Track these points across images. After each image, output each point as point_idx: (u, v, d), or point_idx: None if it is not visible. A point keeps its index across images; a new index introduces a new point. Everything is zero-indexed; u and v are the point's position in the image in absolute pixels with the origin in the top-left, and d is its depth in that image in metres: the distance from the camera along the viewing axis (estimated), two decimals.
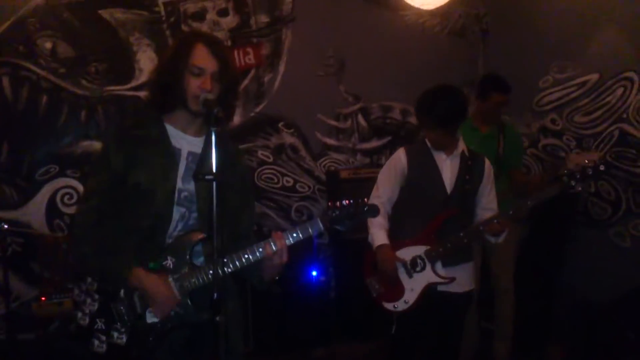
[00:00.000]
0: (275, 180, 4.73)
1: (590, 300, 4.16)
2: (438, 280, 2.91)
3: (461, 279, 2.95)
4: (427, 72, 4.95)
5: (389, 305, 2.95)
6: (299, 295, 4.18)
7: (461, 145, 3.04)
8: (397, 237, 2.98)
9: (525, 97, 4.73)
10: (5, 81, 3.91)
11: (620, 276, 4.05)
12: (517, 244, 3.94)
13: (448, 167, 3.00)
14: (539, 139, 4.77)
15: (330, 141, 4.92)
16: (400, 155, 3.06)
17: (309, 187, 4.84)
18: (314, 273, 4.26)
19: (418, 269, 2.92)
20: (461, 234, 2.91)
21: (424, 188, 2.99)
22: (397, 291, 2.93)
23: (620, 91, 4.22)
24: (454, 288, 2.93)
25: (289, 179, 4.77)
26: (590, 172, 2.88)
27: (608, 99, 4.30)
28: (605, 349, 3.83)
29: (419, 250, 2.93)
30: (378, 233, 2.97)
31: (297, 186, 4.80)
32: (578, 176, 2.88)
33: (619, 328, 3.82)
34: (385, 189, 3.04)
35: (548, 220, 4.37)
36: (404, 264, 2.92)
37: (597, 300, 4.08)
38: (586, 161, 2.92)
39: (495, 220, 2.89)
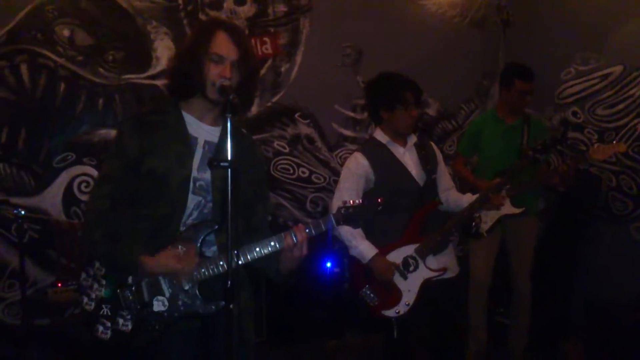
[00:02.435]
0: (291, 171, 4.71)
1: (609, 297, 4.10)
2: (433, 274, 2.89)
3: (450, 264, 2.97)
4: (446, 63, 4.89)
5: (390, 312, 2.88)
6: (313, 286, 4.17)
7: (414, 136, 3.02)
8: (380, 241, 2.89)
9: (547, 90, 4.65)
10: (24, 68, 3.92)
11: None
12: (535, 239, 3.89)
13: (409, 160, 2.97)
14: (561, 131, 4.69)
15: (347, 132, 4.88)
16: (360, 160, 2.93)
17: (325, 178, 4.81)
18: (328, 264, 4.25)
19: (411, 268, 2.89)
20: (449, 224, 2.90)
21: (396, 186, 2.91)
22: (394, 296, 2.88)
23: None
24: (446, 274, 2.93)
25: (304, 169, 4.75)
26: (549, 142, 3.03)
27: (632, 91, 4.21)
28: (624, 347, 3.77)
29: (409, 250, 2.90)
30: (364, 244, 2.86)
31: (312, 177, 4.78)
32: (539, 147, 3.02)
33: (638, 326, 3.76)
34: (350, 196, 2.74)
35: (566, 215, 4.32)
36: (397, 267, 2.87)
37: (616, 297, 4.02)
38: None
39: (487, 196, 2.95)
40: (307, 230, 1.98)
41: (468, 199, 3.04)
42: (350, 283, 3.00)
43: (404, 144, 2.99)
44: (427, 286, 2.88)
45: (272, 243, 1.96)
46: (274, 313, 3.98)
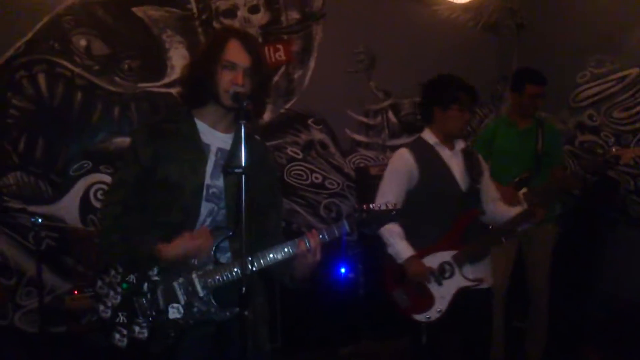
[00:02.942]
0: (305, 177, 4.72)
1: (628, 300, 4.04)
2: (468, 284, 2.82)
3: (486, 275, 2.90)
4: (460, 68, 4.82)
5: (420, 317, 2.83)
6: (328, 292, 4.16)
7: (462, 142, 2.98)
8: (416, 244, 2.84)
9: (562, 93, 4.62)
10: (41, 78, 3.98)
11: None
12: (552, 245, 3.85)
13: (455, 164, 2.91)
14: (576, 135, 4.65)
15: (360, 137, 4.89)
16: (406, 156, 2.89)
17: (338, 184, 4.81)
18: (343, 270, 4.24)
19: (447, 275, 2.83)
20: (492, 234, 2.86)
21: (439, 188, 2.86)
22: (427, 301, 2.82)
23: None
24: (481, 285, 2.87)
25: (318, 175, 4.76)
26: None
27: None
28: None
29: (446, 256, 2.84)
30: (401, 244, 2.82)
31: (326, 183, 4.79)
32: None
33: None
34: (394, 193, 2.80)
35: (585, 218, 4.27)
36: (432, 272, 2.82)
37: (636, 299, 3.96)
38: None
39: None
40: (320, 236, 1.97)
41: (516, 211, 2.97)
42: (382, 282, 2.94)
43: (451, 147, 2.93)
44: (460, 295, 2.82)
45: (286, 249, 1.97)
46: (289, 319, 3.97)
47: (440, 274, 2.82)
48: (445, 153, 2.91)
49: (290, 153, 4.67)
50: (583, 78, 4.61)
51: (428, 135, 2.95)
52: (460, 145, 2.96)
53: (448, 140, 2.93)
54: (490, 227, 2.90)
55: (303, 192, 4.72)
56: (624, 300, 4.08)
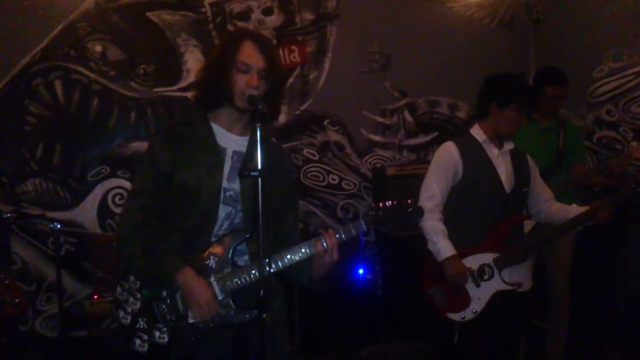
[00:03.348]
0: (321, 178, 4.71)
1: None
2: (506, 287, 2.78)
3: (524, 279, 2.85)
4: (476, 65, 4.83)
5: (454, 316, 2.79)
6: (346, 293, 4.13)
7: (510, 143, 2.90)
8: (457, 243, 2.77)
9: (579, 88, 4.56)
10: (58, 84, 4.02)
11: None
12: (574, 241, 3.80)
13: (502, 164, 2.83)
14: (594, 131, 4.59)
15: (376, 138, 4.86)
16: (452, 149, 2.81)
17: (355, 185, 4.80)
18: (361, 271, 4.22)
19: (486, 277, 2.78)
20: (534, 238, 2.82)
21: (481, 187, 2.79)
22: (463, 301, 2.78)
23: None
24: (519, 289, 2.82)
25: (334, 176, 4.75)
26: None
27: None
28: None
29: (487, 258, 2.79)
30: (443, 242, 2.75)
31: (342, 184, 4.77)
32: None
33: None
34: (440, 187, 2.77)
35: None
36: (472, 273, 2.77)
37: None
38: None
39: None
40: (337, 236, 1.96)
41: (575, 210, 2.90)
42: (420, 278, 2.88)
43: (499, 146, 2.86)
44: (497, 297, 2.78)
45: (303, 250, 1.96)
46: (307, 321, 3.97)
47: (479, 275, 2.78)
48: (492, 152, 2.83)
49: (307, 154, 4.66)
50: (600, 73, 4.54)
51: (477, 132, 2.87)
52: (509, 145, 2.88)
53: (496, 139, 2.86)
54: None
55: (320, 193, 4.71)
56: None
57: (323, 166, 4.72)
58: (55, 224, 3.61)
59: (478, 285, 2.78)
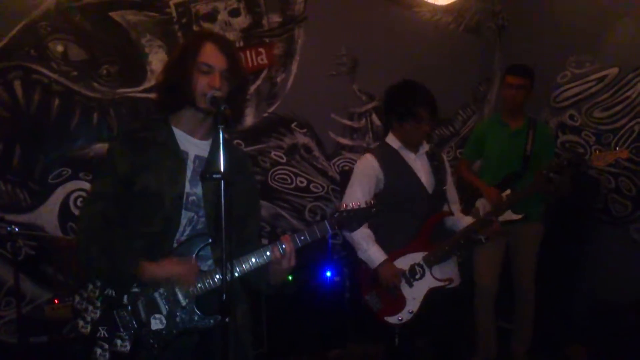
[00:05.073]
0: (289, 181, 4.69)
1: (610, 298, 4.06)
2: (438, 284, 2.87)
3: (454, 274, 2.95)
4: (442, 70, 4.88)
5: (392, 319, 2.85)
6: (313, 296, 4.14)
7: (426, 145, 3.01)
8: (387, 247, 2.86)
9: (543, 93, 4.64)
10: (17, 85, 3.90)
11: None
12: (538, 244, 3.85)
13: (420, 167, 2.95)
14: (557, 135, 4.68)
15: (344, 141, 4.87)
16: (371, 161, 2.92)
17: (323, 188, 4.79)
18: (328, 274, 4.23)
19: (417, 276, 2.86)
20: (457, 236, 2.91)
21: (405, 192, 2.89)
22: (398, 303, 2.86)
23: None
24: (450, 284, 2.91)
25: (302, 179, 4.73)
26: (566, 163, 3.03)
27: (628, 93, 4.21)
28: (627, 349, 3.73)
29: (417, 257, 2.88)
30: (373, 248, 2.84)
31: (310, 186, 4.76)
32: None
33: None
34: (364, 195, 2.80)
35: (566, 217, 4.29)
36: (403, 274, 2.86)
37: (618, 298, 3.99)
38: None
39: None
40: (302, 238, 1.97)
41: (467, 221, 3.02)
42: (356, 286, 2.98)
43: (415, 150, 2.98)
44: (431, 295, 2.86)
45: (266, 254, 1.95)
46: (274, 324, 3.94)
47: (411, 275, 2.86)
48: (409, 157, 2.95)
49: (274, 157, 4.64)
50: (564, 78, 4.64)
51: (392, 140, 3.00)
52: (424, 147, 3.00)
53: (410, 145, 2.97)
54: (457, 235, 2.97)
55: (288, 196, 4.69)
56: (606, 298, 4.10)
57: (291, 169, 4.70)
58: (13, 227, 3.51)
59: (411, 286, 2.85)
